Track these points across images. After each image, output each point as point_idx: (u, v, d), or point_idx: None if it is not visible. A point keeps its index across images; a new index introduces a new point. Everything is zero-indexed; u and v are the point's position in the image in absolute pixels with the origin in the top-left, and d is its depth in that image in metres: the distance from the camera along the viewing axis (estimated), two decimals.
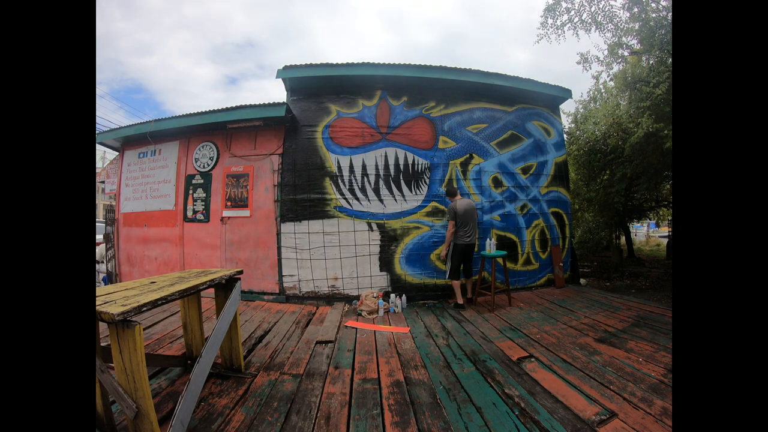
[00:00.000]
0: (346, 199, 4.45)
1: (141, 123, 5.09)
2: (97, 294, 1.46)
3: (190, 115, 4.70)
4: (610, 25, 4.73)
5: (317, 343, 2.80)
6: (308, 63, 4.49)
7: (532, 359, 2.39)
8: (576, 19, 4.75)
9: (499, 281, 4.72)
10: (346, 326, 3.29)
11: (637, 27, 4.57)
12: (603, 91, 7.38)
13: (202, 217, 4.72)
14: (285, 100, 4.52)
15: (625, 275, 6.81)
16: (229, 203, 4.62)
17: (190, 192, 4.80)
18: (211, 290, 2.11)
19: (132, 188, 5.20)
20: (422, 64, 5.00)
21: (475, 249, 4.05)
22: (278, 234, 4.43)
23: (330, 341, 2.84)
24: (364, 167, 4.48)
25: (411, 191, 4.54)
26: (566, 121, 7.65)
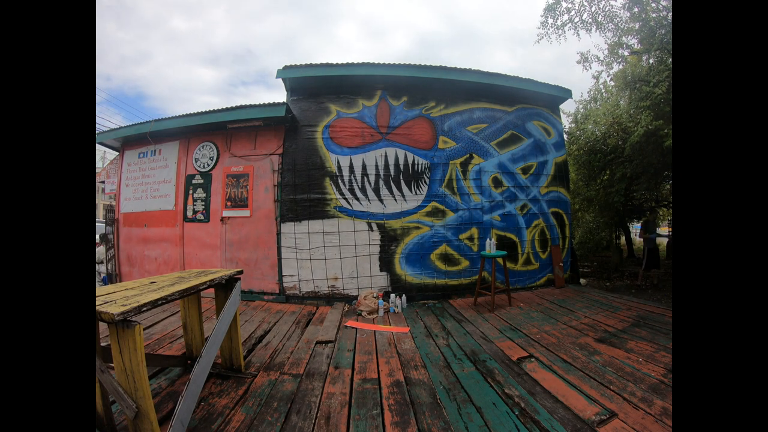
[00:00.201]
0: (346, 199, 4.45)
1: (141, 123, 5.09)
2: (97, 294, 1.46)
3: (190, 115, 4.70)
4: (610, 24, 4.73)
5: (317, 343, 2.80)
6: (308, 63, 4.49)
7: (532, 359, 2.39)
8: (576, 19, 4.76)
9: (499, 281, 4.72)
10: (346, 326, 3.29)
11: (637, 27, 4.57)
12: (603, 90, 7.39)
13: (202, 217, 4.72)
14: (285, 100, 4.52)
15: (625, 275, 6.82)
16: (229, 203, 4.62)
17: (190, 192, 4.80)
18: (211, 290, 2.11)
19: (132, 188, 5.20)
20: (422, 64, 5.00)
21: None
22: (278, 234, 4.43)
23: (330, 341, 2.84)
24: (364, 167, 4.48)
25: (411, 191, 4.54)
26: (566, 121, 7.66)
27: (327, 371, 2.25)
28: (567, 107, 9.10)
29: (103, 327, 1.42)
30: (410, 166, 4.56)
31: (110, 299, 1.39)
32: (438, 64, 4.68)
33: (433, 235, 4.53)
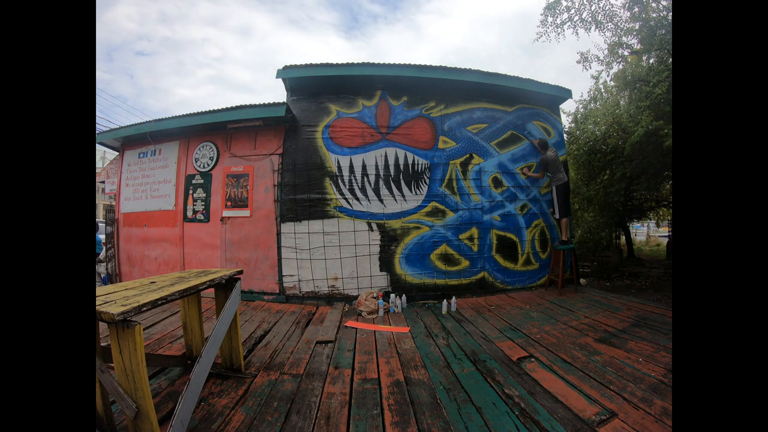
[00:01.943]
0: (346, 199, 4.45)
1: (141, 123, 5.09)
2: (97, 294, 1.46)
3: (190, 115, 4.70)
4: (610, 24, 4.74)
5: (317, 343, 2.80)
6: (308, 63, 4.49)
7: (532, 359, 2.39)
8: (576, 18, 4.76)
9: (499, 281, 4.73)
10: (346, 326, 3.29)
11: (637, 27, 4.58)
12: (603, 90, 7.38)
13: (202, 217, 4.72)
14: (285, 100, 4.52)
15: (625, 275, 6.82)
16: (229, 203, 4.62)
17: (190, 192, 4.80)
18: (211, 290, 2.11)
19: (132, 188, 5.20)
20: (422, 64, 5.00)
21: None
22: (278, 234, 4.43)
23: (330, 341, 2.84)
24: (364, 167, 4.48)
25: (411, 191, 4.54)
26: (566, 121, 7.65)
27: (327, 371, 2.25)
28: (567, 107, 9.10)
29: (103, 327, 1.42)
30: (410, 166, 4.56)
31: (110, 299, 1.39)
32: (438, 64, 4.68)
33: (433, 235, 4.53)
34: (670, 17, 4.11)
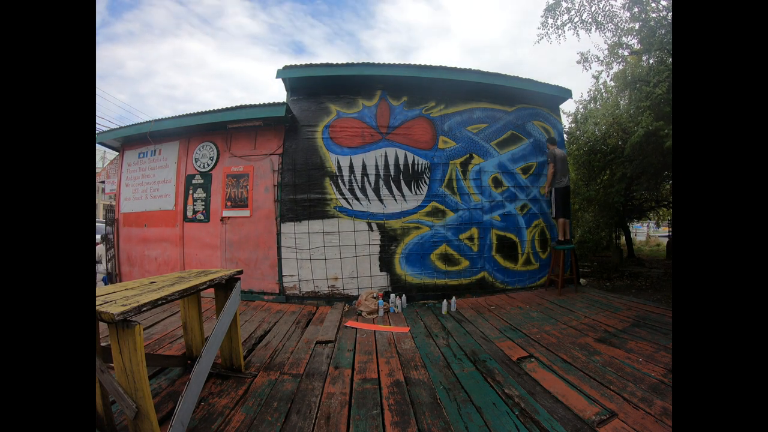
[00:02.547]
0: (346, 199, 4.45)
1: (141, 123, 5.09)
2: (97, 294, 1.46)
3: (190, 115, 4.70)
4: (610, 24, 4.75)
5: (317, 343, 2.80)
6: (308, 63, 4.49)
7: (532, 359, 2.39)
8: (576, 19, 4.77)
9: (499, 281, 4.73)
10: (346, 326, 3.29)
11: (637, 27, 4.58)
12: (603, 90, 7.39)
13: (202, 217, 4.72)
14: (285, 100, 4.53)
15: (625, 275, 6.81)
16: (229, 203, 4.62)
17: (190, 192, 4.80)
18: (211, 290, 2.11)
19: (132, 188, 5.20)
20: (422, 64, 5.00)
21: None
22: (278, 234, 4.43)
23: (330, 341, 2.84)
24: (364, 167, 4.48)
25: (411, 191, 4.54)
26: (566, 121, 7.66)
27: (327, 371, 2.25)
28: (567, 107, 9.11)
29: (103, 327, 1.42)
30: (410, 166, 4.56)
31: (110, 299, 1.39)
32: (438, 64, 4.68)
33: (433, 235, 4.53)
34: (670, 17, 4.11)
